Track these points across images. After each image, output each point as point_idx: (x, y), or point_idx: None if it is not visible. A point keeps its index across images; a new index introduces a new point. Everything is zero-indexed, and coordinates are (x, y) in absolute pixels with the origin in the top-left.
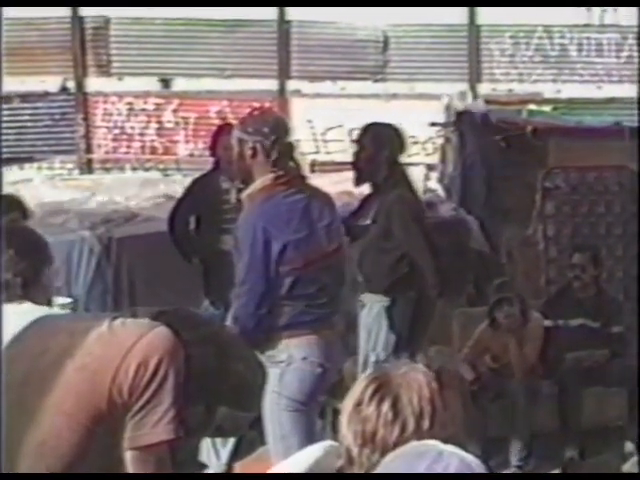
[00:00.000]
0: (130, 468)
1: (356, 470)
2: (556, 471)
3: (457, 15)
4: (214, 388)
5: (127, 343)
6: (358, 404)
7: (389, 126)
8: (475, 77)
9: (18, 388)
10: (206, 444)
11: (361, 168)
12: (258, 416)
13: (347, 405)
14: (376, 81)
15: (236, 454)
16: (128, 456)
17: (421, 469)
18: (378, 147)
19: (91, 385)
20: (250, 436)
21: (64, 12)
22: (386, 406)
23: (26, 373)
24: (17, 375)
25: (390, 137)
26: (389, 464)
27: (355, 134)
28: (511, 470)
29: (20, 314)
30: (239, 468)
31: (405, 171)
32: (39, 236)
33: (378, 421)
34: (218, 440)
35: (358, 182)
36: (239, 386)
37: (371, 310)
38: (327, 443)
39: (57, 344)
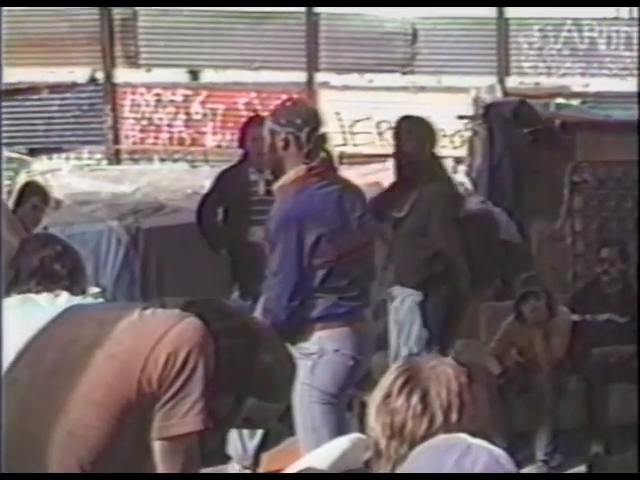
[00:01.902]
0: (158, 458)
1: (384, 462)
2: (582, 467)
3: (486, 8)
4: (243, 379)
5: (157, 333)
6: (387, 396)
7: (423, 119)
8: (503, 70)
9: (47, 378)
10: (233, 436)
11: (401, 161)
12: (287, 408)
13: (376, 397)
14: (404, 74)
15: (263, 446)
16: (156, 446)
17: (450, 462)
18: (416, 140)
19: (120, 375)
20: (277, 428)
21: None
22: (415, 399)
23: (55, 363)
24: (46, 365)
25: (426, 130)
26: (417, 457)
27: (383, 126)
28: (537, 465)
29: (55, 305)
30: (266, 460)
31: (442, 164)
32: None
33: (407, 413)
34: (245, 432)
35: (399, 175)
36: (268, 378)
37: (403, 304)
38: (355, 436)
39: (86, 334)
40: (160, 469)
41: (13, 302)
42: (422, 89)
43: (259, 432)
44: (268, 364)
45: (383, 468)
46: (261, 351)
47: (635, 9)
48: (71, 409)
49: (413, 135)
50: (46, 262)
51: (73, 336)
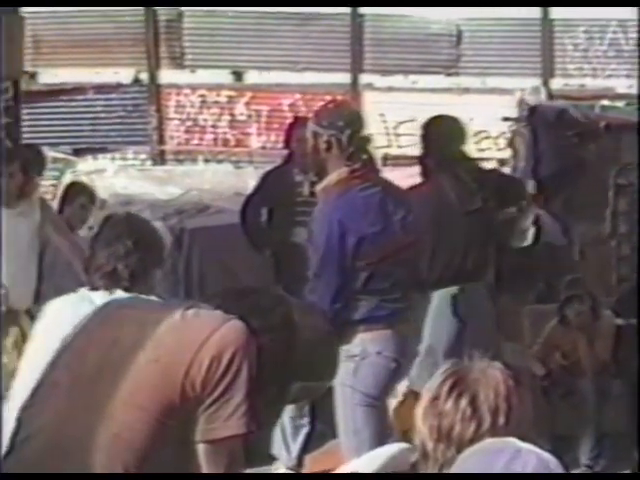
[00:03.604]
0: (202, 460)
1: (430, 466)
2: (626, 471)
3: (531, 9)
4: (286, 369)
5: (200, 336)
6: (435, 399)
7: (446, 119)
8: (548, 72)
9: (89, 381)
10: (277, 437)
11: (423, 162)
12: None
13: (423, 400)
14: (449, 75)
15: (306, 448)
16: (200, 449)
17: (499, 466)
18: (428, 141)
19: (164, 378)
20: (320, 430)
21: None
22: (464, 402)
23: (97, 365)
24: (88, 367)
25: (444, 130)
26: (466, 460)
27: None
28: (581, 469)
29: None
30: (309, 461)
31: (459, 163)
32: (159, 236)
33: (455, 417)
34: (289, 433)
35: (422, 176)
36: (310, 357)
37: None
38: (401, 444)
39: (128, 335)
40: (204, 471)
41: (69, 299)
42: (466, 91)
43: (303, 434)
44: (309, 342)
45: (430, 471)
46: (302, 330)
47: None
48: (115, 412)
49: (430, 135)
50: (111, 260)
51: (114, 337)
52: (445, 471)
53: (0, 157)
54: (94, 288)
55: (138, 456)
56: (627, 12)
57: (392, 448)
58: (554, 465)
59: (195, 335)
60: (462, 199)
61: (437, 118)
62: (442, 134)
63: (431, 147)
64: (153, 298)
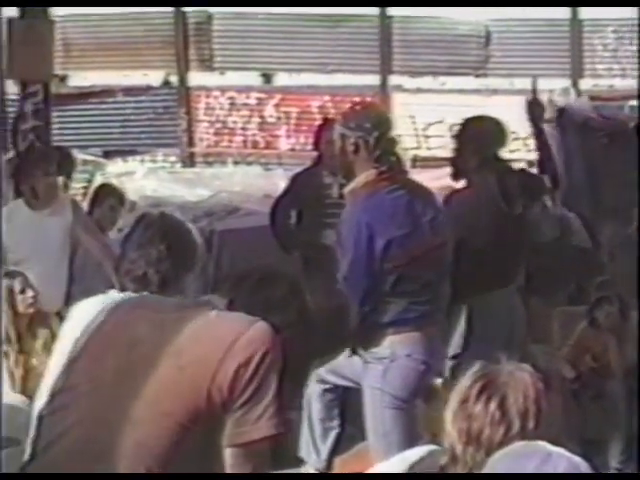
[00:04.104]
0: (230, 465)
1: (460, 469)
2: None
3: (560, 9)
4: (304, 363)
5: (226, 341)
6: (464, 402)
7: (483, 120)
8: (577, 73)
9: (109, 385)
10: (305, 439)
11: (454, 164)
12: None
13: (452, 402)
14: (477, 76)
15: (335, 450)
16: (228, 453)
17: (529, 469)
18: (468, 141)
19: (190, 385)
20: (350, 432)
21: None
22: (493, 405)
23: (117, 369)
24: (107, 371)
25: (480, 131)
26: (497, 463)
27: (456, 129)
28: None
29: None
30: (338, 464)
31: (497, 165)
32: (194, 239)
33: (484, 420)
34: (318, 436)
35: (454, 177)
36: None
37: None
38: (430, 446)
39: (148, 337)
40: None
41: (96, 300)
42: (495, 92)
43: (332, 436)
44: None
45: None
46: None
47: None
48: (138, 418)
49: (464, 136)
50: (142, 264)
51: (132, 339)
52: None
53: (31, 160)
54: (123, 290)
55: (162, 461)
56: None
57: (421, 450)
58: (585, 468)
59: (221, 340)
60: (508, 202)
61: (477, 118)
62: (483, 135)
63: (471, 148)
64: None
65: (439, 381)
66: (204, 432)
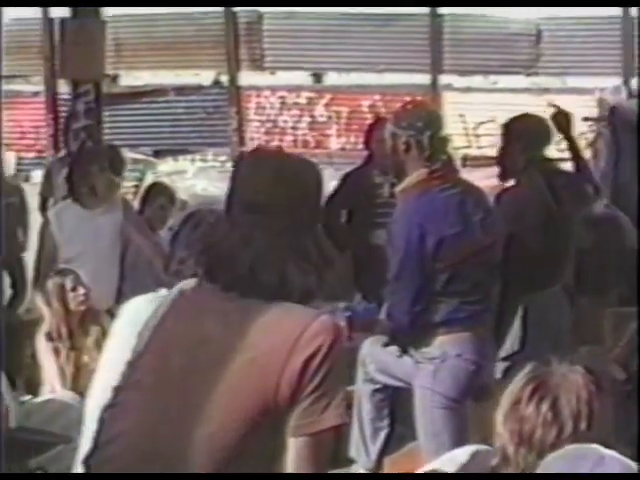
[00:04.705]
0: (294, 456)
1: (511, 470)
2: None
3: (612, 8)
4: None
5: (294, 333)
6: (516, 403)
7: (529, 118)
8: (629, 71)
9: (177, 382)
10: (355, 439)
11: (501, 163)
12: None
13: (504, 404)
14: (528, 75)
15: (385, 450)
16: (294, 444)
17: (583, 472)
18: (514, 140)
19: (259, 379)
20: (400, 432)
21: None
22: (545, 406)
23: (184, 365)
24: (174, 368)
25: (527, 129)
26: (550, 465)
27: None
28: None
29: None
30: (388, 464)
31: (546, 164)
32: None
33: (537, 421)
34: (368, 436)
35: (501, 177)
36: None
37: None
38: (481, 446)
39: (214, 333)
40: (295, 468)
41: (147, 298)
42: (546, 90)
43: (382, 435)
44: None
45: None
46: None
47: None
48: (212, 414)
49: (510, 135)
50: (191, 264)
51: (198, 335)
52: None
53: (86, 158)
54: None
55: (231, 455)
56: None
57: (470, 450)
58: (638, 470)
59: (287, 333)
60: (558, 201)
61: (522, 117)
62: (530, 133)
63: (518, 148)
64: None
65: (490, 382)
66: (271, 425)
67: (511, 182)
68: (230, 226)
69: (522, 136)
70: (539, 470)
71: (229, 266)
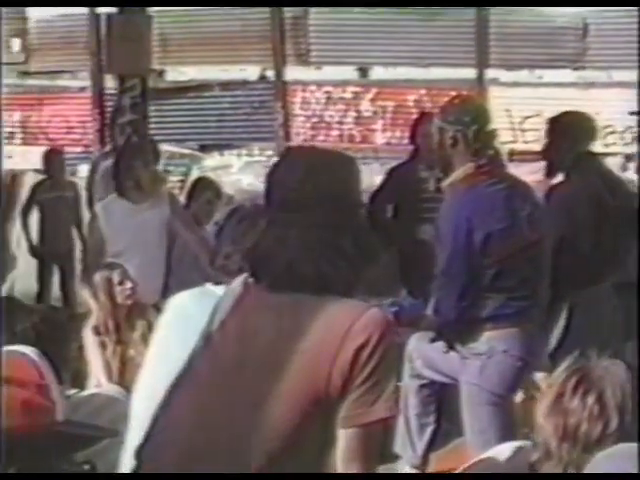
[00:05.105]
0: (345, 447)
1: (553, 465)
2: None
3: None
4: None
5: (344, 325)
6: (559, 396)
7: (575, 114)
8: None
9: (234, 377)
10: (401, 435)
11: (548, 158)
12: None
13: (546, 397)
14: (575, 69)
15: (432, 446)
16: (344, 435)
17: (631, 471)
18: (562, 136)
19: (311, 370)
20: (446, 428)
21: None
22: (592, 399)
23: (240, 362)
24: (227, 360)
25: (575, 126)
26: (598, 465)
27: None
28: None
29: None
30: (434, 460)
31: (595, 160)
32: None
33: (582, 415)
34: (414, 432)
35: (548, 173)
36: None
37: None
38: (523, 442)
39: (267, 326)
40: (344, 459)
41: (192, 293)
42: (592, 85)
43: (428, 431)
44: None
45: (553, 470)
46: None
47: None
48: (264, 407)
49: (558, 131)
50: (236, 259)
51: (252, 328)
52: (569, 471)
53: (131, 153)
54: (218, 283)
55: (285, 446)
56: None
57: (514, 446)
58: None
59: (339, 325)
60: (614, 196)
61: (569, 114)
62: (577, 130)
63: (566, 144)
64: None
65: (537, 378)
66: (322, 416)
67: (558, 178)
68: (265, 225)
69: (570, 132)
70: (587, 468)
71: (267, 266)
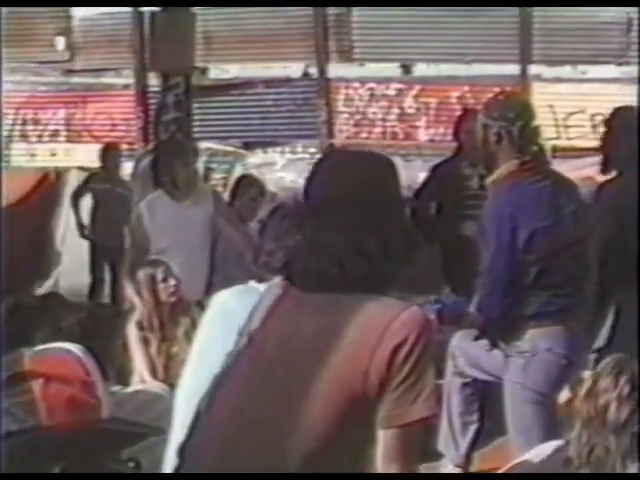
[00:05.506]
0: (386, 447)
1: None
2: None
3: None
4: None
5: (382, 325)
6: (596, 381)
7: (632, 110)
8: None
9: (275, 376)
10: (444, 433)
11: (606, 154)
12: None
13: (583, 388)
14: (619, 65)
15: (475, 445)
16: (384, 435)
17: None
18: (620, 132)
19: (349, 369)
20: (489, 427)
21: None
22: (624, 379)
23: (281, 361)
24: (272, 363)
25: (632, 122)
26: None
27: (597, 119)
28: None
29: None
30: (478, 458)
31: None
32: None
33: (612, 394)
34: (457, 430)
35: (604, 170)
36: None
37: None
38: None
39: (306, 326)
40: (384, 460)
41: (236, 290)
42: (637, 80)
43: (471, 430)
44: None
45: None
46: None
47: None
48: (304, 406)
49: (617, 126)
50: (280, 256)
51: (291, 328)
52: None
53: (170, 151)
54: (261, 280)
55: (323, 446)
56: None
57: (555, 444)
58: None
59: (376, 324)
60: None
61: (626, 109)
62: (634, 126)
63: (623, 140)
64: None
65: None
66: (360, 415)
67: (612, 174)
68: (300, 226)
69: (627, 128)
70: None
71: (300, 268)
